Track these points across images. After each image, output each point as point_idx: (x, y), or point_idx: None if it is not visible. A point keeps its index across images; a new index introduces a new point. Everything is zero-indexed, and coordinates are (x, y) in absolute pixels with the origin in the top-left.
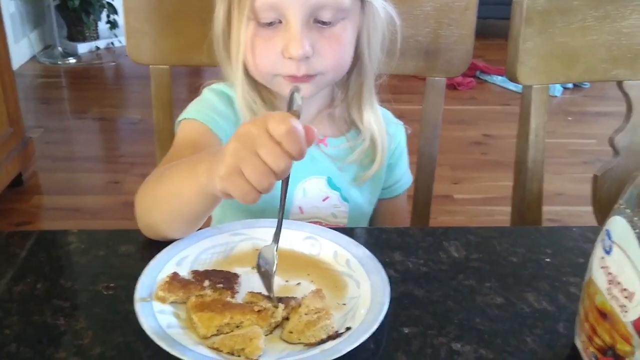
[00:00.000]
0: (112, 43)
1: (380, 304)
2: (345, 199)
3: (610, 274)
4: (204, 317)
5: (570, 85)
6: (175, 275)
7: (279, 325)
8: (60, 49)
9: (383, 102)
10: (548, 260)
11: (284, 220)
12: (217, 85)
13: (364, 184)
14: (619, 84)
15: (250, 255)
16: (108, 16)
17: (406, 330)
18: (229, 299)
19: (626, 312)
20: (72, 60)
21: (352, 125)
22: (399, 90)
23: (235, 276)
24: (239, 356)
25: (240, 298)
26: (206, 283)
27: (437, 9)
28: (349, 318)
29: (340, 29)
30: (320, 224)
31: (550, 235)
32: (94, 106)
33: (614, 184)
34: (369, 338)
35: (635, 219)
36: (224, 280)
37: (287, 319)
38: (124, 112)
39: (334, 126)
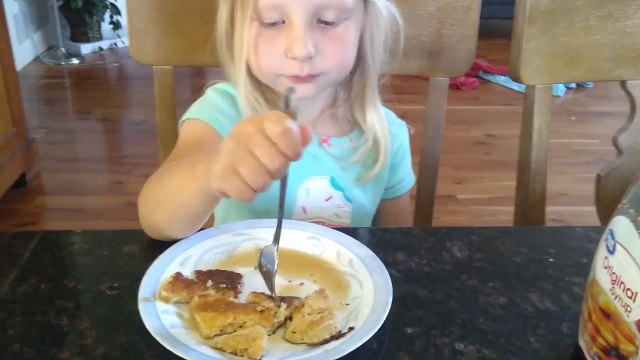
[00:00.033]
0: (115, 44)
1: (383, 304)
2: (348, 199)
3: (613, 274)
4: (207, 317)
5: (573, 85)
6: (178, 276)
7: (282, 325)
8: (63, 49)
9: (386, 102)
10: (551, 260)
11: (287, 221)
12: (221, 85)
13: (367, 184)
14: (623, 83)
15: (253, 256)
16: (111, 17)
17: (409, 330)
18: (232, 299)
19: (630, 312)
20: (75, 61)
21: (355, 125)
22: (401, 90)
23: (238, 276)
24: (242, 356)
25: (243, 298)
26: (209, 283)
27: (440, 8)
28: (352, 318)
29: (343, 29)
30: (323, 224)
31: (553, 236)
32: (97, 107)
33: (618, 184)
34: (371, 338)
35: (639, 218)
36: (227, 280)
37: (290, 319)
38: (127, 113)
39: (337, 126)
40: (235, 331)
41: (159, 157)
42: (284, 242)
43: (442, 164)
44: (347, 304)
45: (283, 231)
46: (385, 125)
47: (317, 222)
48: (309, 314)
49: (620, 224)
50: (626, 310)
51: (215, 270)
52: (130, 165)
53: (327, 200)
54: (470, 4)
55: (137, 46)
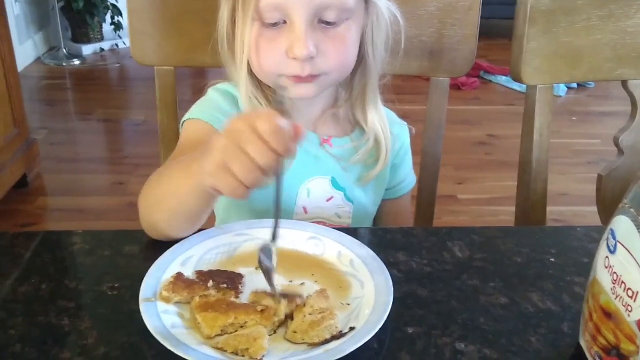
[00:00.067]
0: (117, 44)
1: (384, 303)
2: (349, 199)
3: (614, 273)
4: (208, 317)
5: (574, 85)
6: (179, 276)
7: (282, 325)
8: (64, 50)
9: (387, 102)
10: (552, 260)
11: (288, 221)
12: (222, 85)
13: (368, 184)
14: (624, 83)
15: (253, 256)
16: (112, 18)
17: (410, 330)
18: (232, 299)
19: (630, 311)
20: (76, 62)
21: (356, 125)
22: (402, 91)
23: (239, 276)
24: (242, 356)
25: (244, 298)
26: (210, 283)
27: (441, 8)
28: (353, 318)
29: (344, 29)
30: (324, 224)
31: (554, 235)
32: (98, 107)
33: (619, 184)
34: (372, 338)
35: None
36: (228, 280)
37: (291, 318)
38: (128, 113)
39: (338, 126)
40: (236, 331)
41: (160, 158)
42: (284, 242)
43: (443, 164)
44: (348, 304)
45: (284, 231)
46: (386, 125)
47: (318, 222)
48: (309, 314)
49: (621, 223)
50: (627, 309)
51: (216, 270)
52: (131, 165)
53: (328, 200)
54: (471, 4)
55: (138, 47)
